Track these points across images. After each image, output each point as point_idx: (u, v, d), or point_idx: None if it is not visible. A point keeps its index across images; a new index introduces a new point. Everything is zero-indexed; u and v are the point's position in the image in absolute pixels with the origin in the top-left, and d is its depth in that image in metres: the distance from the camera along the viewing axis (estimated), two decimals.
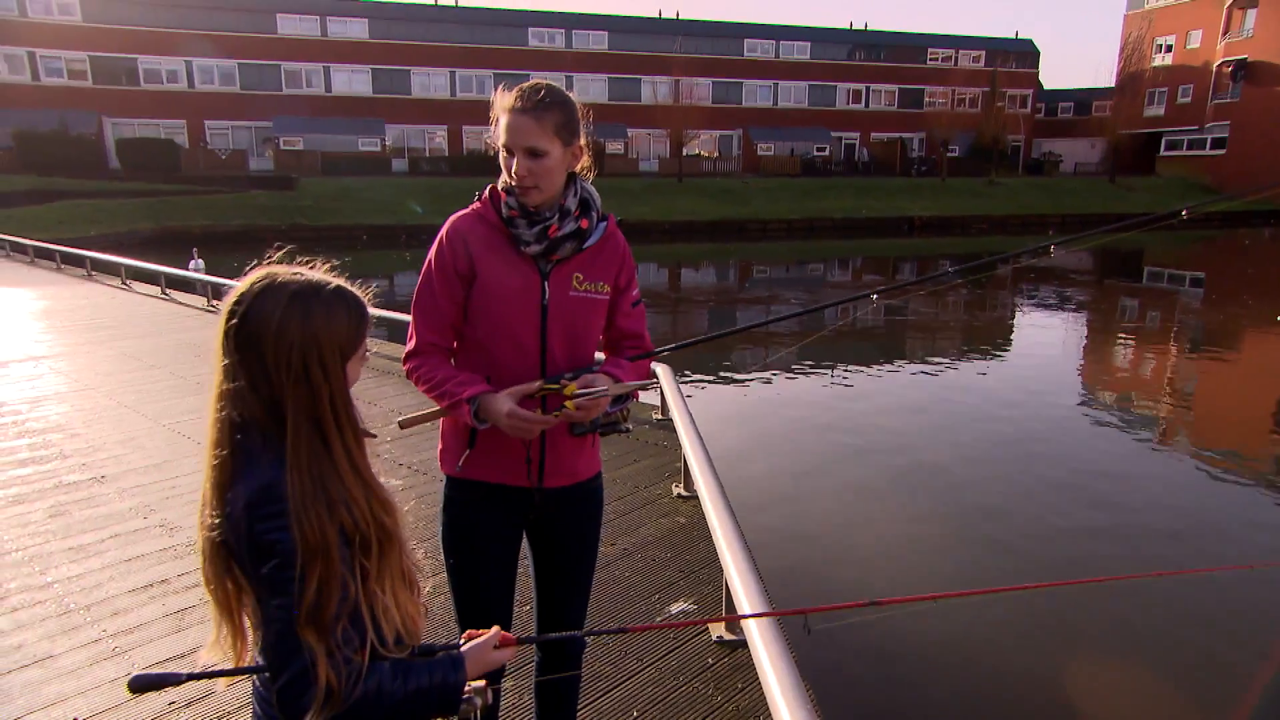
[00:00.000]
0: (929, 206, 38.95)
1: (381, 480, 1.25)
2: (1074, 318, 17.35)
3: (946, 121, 45.60)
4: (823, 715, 2.18)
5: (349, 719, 1.14)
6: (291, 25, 40.92)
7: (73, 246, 17.33)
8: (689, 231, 34.22)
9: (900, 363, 11.92)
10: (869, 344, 13.21)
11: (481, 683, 1.30)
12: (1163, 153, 49.73)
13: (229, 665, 1.24)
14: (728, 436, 7.98)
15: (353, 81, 42.08)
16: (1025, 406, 9.54)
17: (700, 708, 2.67)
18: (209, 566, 1.18)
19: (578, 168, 1.84)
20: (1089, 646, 4.56)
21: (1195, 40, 47.91)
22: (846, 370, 11.18)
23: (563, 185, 1.80)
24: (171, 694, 2.64)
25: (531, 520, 1.97)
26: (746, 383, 10.54)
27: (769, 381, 10.51)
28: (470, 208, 1.85)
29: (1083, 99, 54.72)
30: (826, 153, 48.01)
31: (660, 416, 5.87)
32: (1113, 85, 49.16)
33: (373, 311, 1.29)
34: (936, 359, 12.47)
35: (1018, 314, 17.81)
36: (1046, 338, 14.95)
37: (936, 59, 50.90)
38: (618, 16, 46.93)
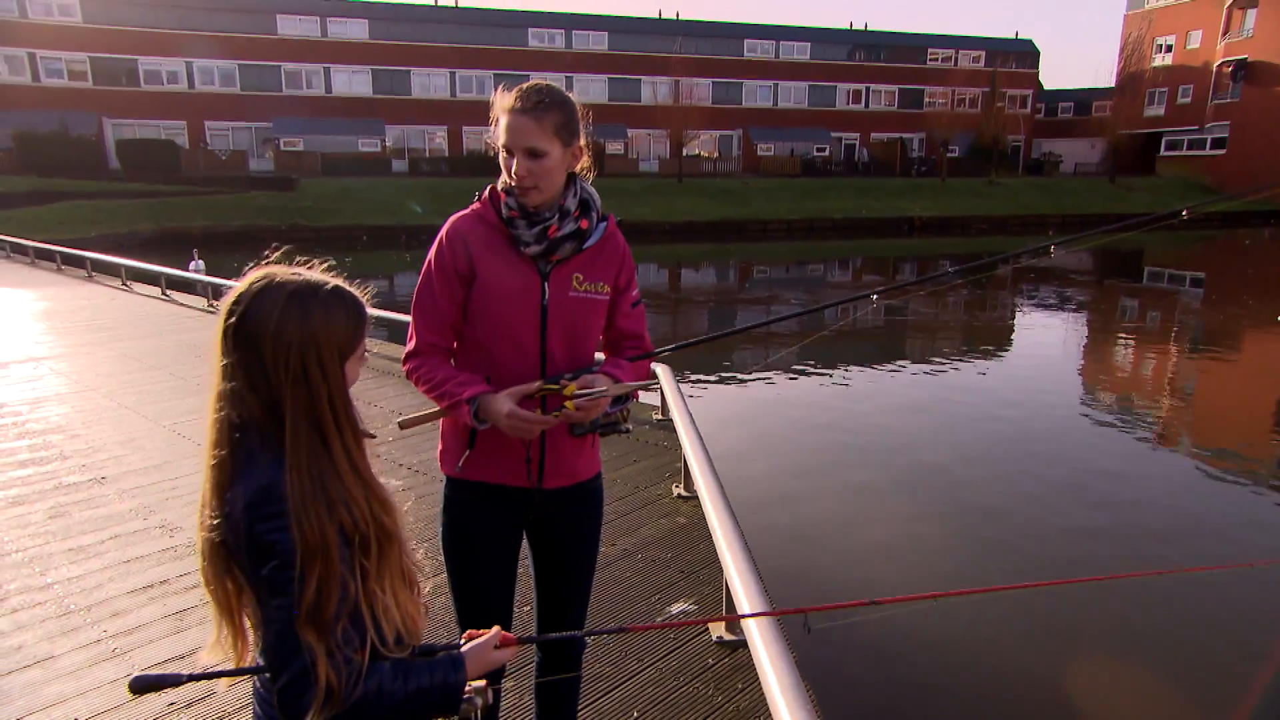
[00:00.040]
0: (929, 207, 38.95)
1: (381, 480, 1.25)
2: (1074, 318, 17.35)
3: (946, 122, 45.61)
4: (823, 715, 2.18)
5: (350, 719, 1.14)
6: (291, 26, 40.94)
7: (73, 247, 17.33)
8: (689, 232, 34.22)
9: (900, 363, 11.92)
10: (869, 344, 13.21)
11: (482, 682, 1.30)
12: (1163, 153, 49.74)
13: (229, 666, 1.24)
14: (728, 437, 7.98)
15: (353, 82, 42.10)
16: (1025, 406, 9.54)
17: (701, 708, 2.67)
18: (209, 567, 1.18)
19: (577, 168, 1.84)
20: (1089, 646, 4.56)
21: (1195, 40, 47.92)
22: (846, 370, 11.18)
23: (562, 186, 1.80)
24: (172, 695, 2.64)
25: (531, 520, 1.97)
26: (747, 383, 10.54)
27: (769, 382, 10.51)
28: (470, 208, 1.85)
29: (1083, 99, 54.72)
30: (826, 153, 48.03)
31: (660, 417, 5.87)
32: (1113, 85, 49.16)
33: (372, 312, 1.29)
34: (936, 359, 12.47)
35: (1018, 314, 17.81)
36: (1046, 338, 14.95)
37: (936, 59, 50.91)
38: (617, 17, 46.96)
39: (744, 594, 2.38)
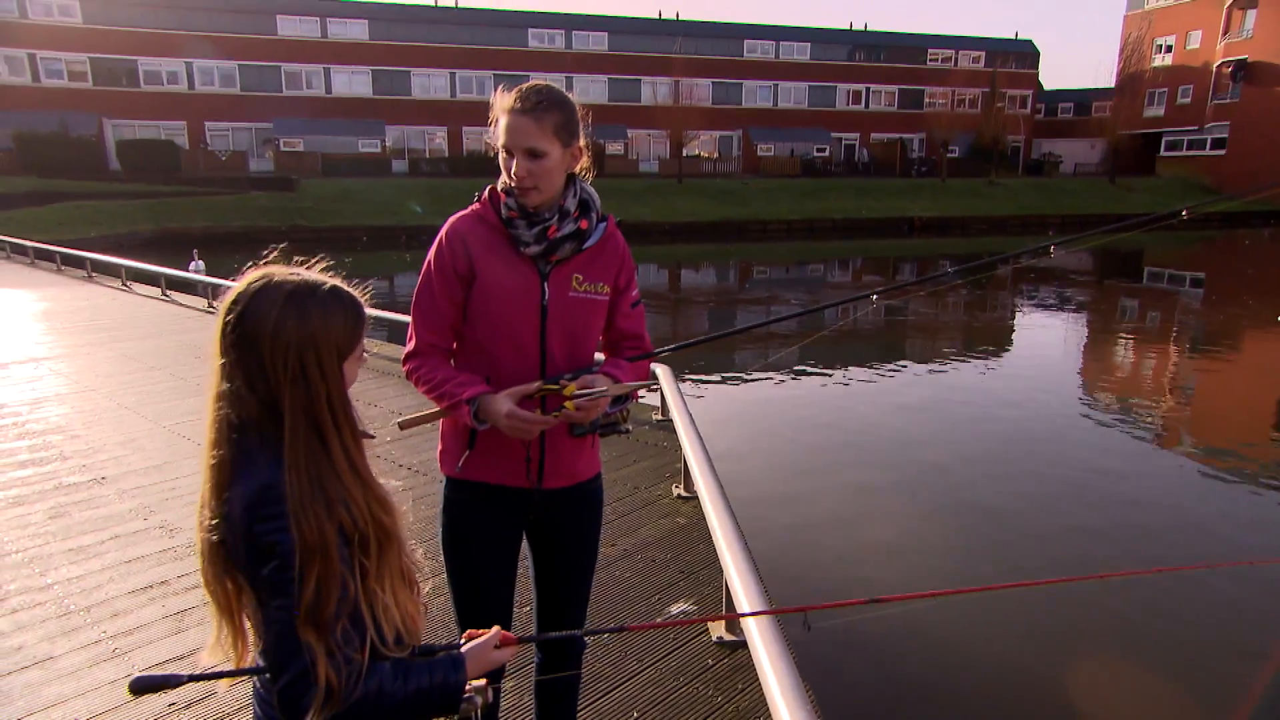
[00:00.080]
0: (929, 207, 38.96)
1: (381, 481, 1.25)
2: (1074, 318, 17.35)
3: (946, 122, 45.63)
4: (823, 715, 2.18)
5: (350, 719, 1.14)
6: (292, 26, 40.96)
7: (73, 248, 17.34)
8: (689, 232, 34.23)
9: (900, 363, 11.92)
10: (869, 345, 13.21)
11: (482, 682, 1.30)
12: (1162, 153, 49.75)
13: (229, 666, 1.24)
14: (728, 437, 7.98)
15: (353, 83, 42.11)
16: (1025, 406, 9.54)
17: (700, 708, 2.67)
18: (208, 567, 1.18)
19: (577, 169, 1.84)
20: (1089, 644, 4.56)
21: (1195, 41, 47.94)
22: (846, 371, 11.18)
23: (562, 186, 1.80)
24: (172, 695, 2.64)
25: (531, 521, 1.97)
26: (747, 383, 10.54)
27: (769, 382, 10.51)
28: (470, 209, 1.85)
29: (1082, 99, 54.74)
30: (826, 153, 48.04)
31: (660, 417, 5.87)
32: (1112, 86, 49.19)
33: (371, 312, 1.29)
34: (936, 359, 12.47)
35: (1018, 315, 17.81)
36: (1046, 338, 14.96)
37: (936, 60, 50.92)
38: (618, 17, 46.97)
39: (744, 594, 2.39)
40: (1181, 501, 6.77)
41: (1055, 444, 8.15)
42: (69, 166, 32.37)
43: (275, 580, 1.10)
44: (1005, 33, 68.26)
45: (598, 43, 45.53)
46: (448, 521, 1.92)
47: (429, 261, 1.83)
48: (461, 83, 43.19)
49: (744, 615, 2.31)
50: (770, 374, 10.81)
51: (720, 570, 3.00)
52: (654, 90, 44.53)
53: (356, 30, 41.96)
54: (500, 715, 2.48)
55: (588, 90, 42.24)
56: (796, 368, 11.06)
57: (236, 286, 1.18)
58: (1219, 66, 46.03)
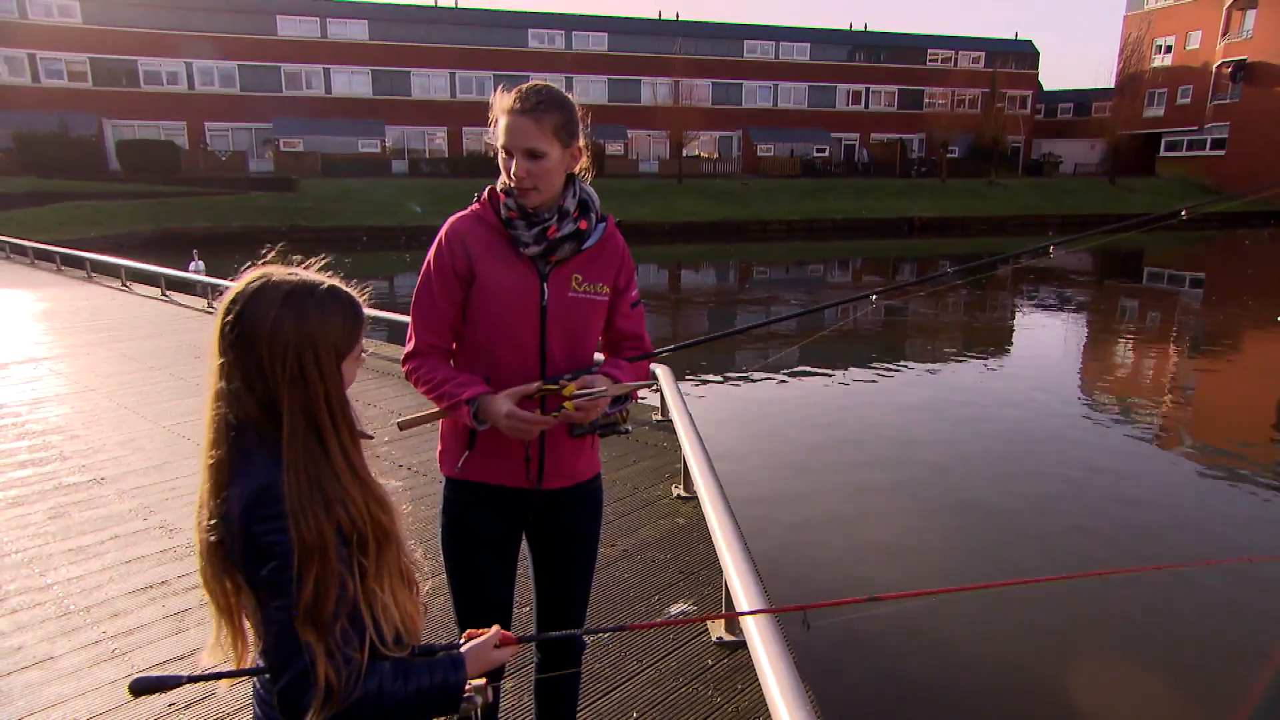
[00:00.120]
0: (929, 207, 38.97)
1: (380, 481, 1.25)
2: (1074, 318, 17.36)
3: (946, 122, 45.65)
4: (823, 715, 2.18)
5: (350, 719, 1.14)
6: (291, 27, 40.96)
7: (73, 248, 17.34)
8: (689, 232, 34.23)
9: (900, 363, 11.92)
10: (869, 345, 13.21)
11: (482, 681, 1.30)
12: (1162, 153, 49.77)
13: (229, 666, 1.24)
14: (727, 437, 7.98)
15: (353, 83, 42.12)
16: (1024, 406, 9.54)
17: (700, 709, 2.67)
18: (207, 568, 1.18)
19: (577, 169, 1.84)
20: (1089, 643, 4.57)
21: (1195, 41, 47.95)
22: (846, 371, 11.18)
23: (561, 186, 1.80)
24: (172, 695, 2.64)
25: (531, 521, 1.97)
26: (746, 383, 10.54)
27: (769, 382, 10.51)
28: (469, 209, 1.85)
29: (1082, 100, 54.77)
30: (826, 154, 48.05)
31: (660, 417, 5.87)
32: (1112, 86, 49.21)
33: (371, 312, 1.29)
34: (936, 359, 12.47)
35: (1018, 315, 17.81)
36: (1046, 338, 14.96)
37: (936, 60, 50.94)
38: (617, 18, 46.98)
39: (743, 594, 2.39)
40: (1181, 501, 6.78)
41: (1055, 444, 8.15)
42: (69, 167, 32.38)
43: (274, 580, 1.10)
44: (1005, 33, 68.27)
45: (597, 43, 45.54)
46: (447, 522, 1.92)
47: (428, 262, 1.83)
48: (461, 83, 43.20)
49: (743, 614, 2.31)
50: (770, 374, 10.81)
51: (720, 570, 3.01)
52: (654, 90, 44.53)
53: (356, 30, 41.96)
54: (500, 715, 2.48)
55: (587, 90, 42.25)
56: (796, 368, 11.06)
57: (235, 286, 1.18)
58: (1219, 67, 46.04)
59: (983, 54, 51.60)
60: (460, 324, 1.85)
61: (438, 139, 43.54)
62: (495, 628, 1.37)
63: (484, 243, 1.81)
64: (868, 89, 50.43)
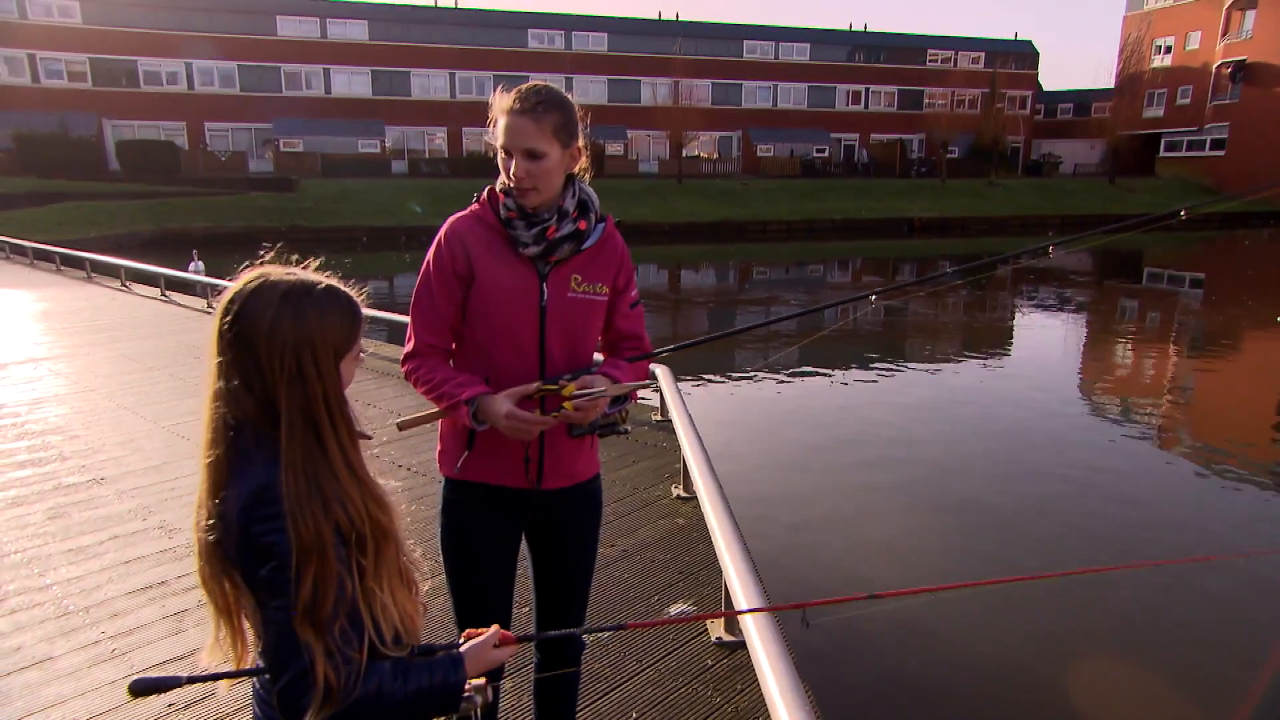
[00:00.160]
0: (929, 208, 38.98)
1: (379, 481, 1.25)
2: (1074, 319, 17.36)
3: (946, 123, 45.66)
4: (822, 715, 2.18)
5: (350, 719, 1.14)
6: (291, 27, 40.96)
7: (72, 248, 17.34)
8: (689, 233, 34.24)
9: (900, 363, 11.93)
10: (868, 345, 13.22)
11: (482, 681, 1.30)
12: (1162, 154, 49.78)
13: (229, 667, 1.24)
14: (727, 437, 7.98)
15: (352, 83, 42.11)
16: (1024, 405, 9.55)
17: (699, 709, 2.67)
18: (206, 568, 1.17)
19: (576, 169, 1.84)
20: (1089, 641, 4.57)
21: (1194, 41, 47.97)
22: (846, 371, 11.18)
23: (561, 187, 1.80)
24: (171, 696, 2.64)
25: (530, 522, 1.97)
26: (746, 384, 10.54)
27: (769, 382, 10.51)
28: (469, 209, 1.85)
29: (1082, 100, 54.78)
30: (826, 154, 48.05)
31: (659, 418, 5.87)
32: (1112, 86, 49.23)
33: (370, 312, 1.29)
34: (936, 359, 12.48)
35: (1017, 315, 17.82)
36: (1046, 338, 14.96)
37: (936, 60, 50.94)
38: (617, 18, 46.98)
39: (743, 595, 2.39)
40: (1181, 501, 6.78)
41: (1055, 443, 8.15)
42: (69, 167, 32.38)
43: (273, 581, 1.10)
44: (1005, 33, 68.28)
45: (597, 43, 45.54)
46: (447, 522, 1.92)
47: (428, 262, 1.83)
48: (461, 83, 43.19)
49: (741, 612, 2.31)
50: (770, 374, 10.81)
51: (720, 571, 3.01)
52: (654, 91, 44.54)
53: (356, 31, 41.96)
54: (499, 715, 2.48)
55: (587, 91, 42.26)
56: (796, 368, 11.06)
57: (233, 286, 1.18)
58: (1218, 67, 46.06)
59: (982, 54, 51.61)
60: (460, 324, 1.85)
61: (437, 139, 43.54)
62: (494, 627, 1.37)
63: (483, 243, 1.80)
64: (867, 89, 50.44)
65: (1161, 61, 49.27)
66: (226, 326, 1.15)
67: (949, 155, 46.16)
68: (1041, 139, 54.50)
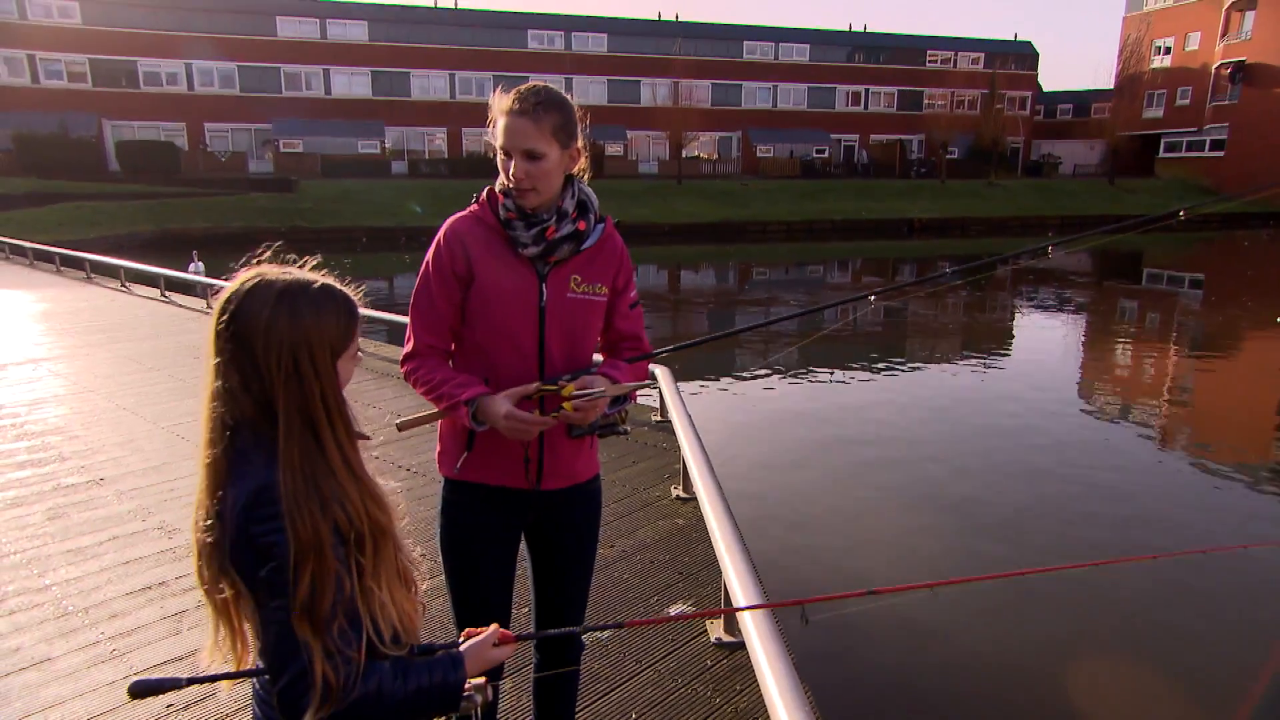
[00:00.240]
0: (928, 208, 38.99)
1: (379, 481, 1.25)
2: (1073, 319, 17.36)
3: (946, 123, 45.68)
4: (822, 715, 2.18)
5: (351, 719, 1.14)
6: (291, 28, 40.97)
7: (72, 249, 17.33)
8: (688, 233, 34.25)
9: (899, 363, 11.93)
10: (868, 345, 13.22)
11: (482, 680, 1.30)
12: (1162, 154, 49.79)
13: (228, 667, 1.24)
14: (727, 438, 7.99)
15: (352, 84, 42.12)
16: (1023, 402, 9.55)
17: (699, 709, 2.67)
18: (204, 568, 1.17)
19: (575, 170, 1.84)
20: (1089, 639, 4.57)
21: (1194, 42, 47.99)
22: (845, 371, 11.18)
23: (560, 187, 1.80)
24: (170, 696, 2.64)
25: (530, 522, 1.97)
26: (746, 384, 10.54)
27: (768, 383, 10.51)
28: (468, 210, 1.85)
29: (1082, 101, 54.80)
30: (826, 154, 48.06)
31: (659, 418, 5.87)
32: (1112, 87, 49.25)
33: (371, 313, 1.29)
34: (935, 359, 12.48)
35: (1017, 316, 17.83)
36: (1046, 339, 14.97)
37: (936, 61, 50.97)
38: (617, 19, 47.01)
39: (742, 596, 2.39)
40: (1181, 501, 6.78)
41: (1054, 442, 8.15)
42: (68, 167, 32.38)
43: (273, 581, 1.10)
44: (1004, 34, 68.36)
45: (597, 44, 45.56)
46: (446, 523, 1.92)
47: (427, 263, 1.83)
48: (461, 84, 43.20)
49: (741, 609, 2.31)
50: (770, 375, 10.82)
51: (719, 571, 3.01)
52: (653, 91, 44.57)
53: (356, 31, 41.97)
54: (499, 715, 2.48)
55: (587, 91, 42.27)
56: (796, 368, 11.06)
57: (229, 286, 1.18)
58: (1218, 68, 46.08)
59: (982, 55, 51.64)
60: (459, 325, 1.85)
61: (437, 140, 43.55)
62: (494, 626, 1.37)
63: (483, 243, 1.81)
64: (867, 90, 50.46)
65: (1161, 62, 49.29)
66: (223, 326, 1.15)
67: (949, 156, 46.18)
68: (1041, 140, 54.53)
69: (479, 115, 1.83)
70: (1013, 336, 15.27)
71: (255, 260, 1.24)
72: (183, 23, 38.79)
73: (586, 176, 1.90)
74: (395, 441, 5.27)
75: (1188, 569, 5.21)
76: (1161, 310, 18.80)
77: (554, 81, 1.82)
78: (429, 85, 43.06)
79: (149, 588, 3.48)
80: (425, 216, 29.66)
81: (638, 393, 2.01)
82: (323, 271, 1.25)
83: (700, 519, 4.09)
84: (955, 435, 8.40)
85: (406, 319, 1.88)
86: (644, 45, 45.73)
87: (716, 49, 47.13)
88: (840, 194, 40.06)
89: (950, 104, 48.12)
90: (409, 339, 1.86)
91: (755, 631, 2.11)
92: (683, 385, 5.71)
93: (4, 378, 7.52)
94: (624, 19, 47.25)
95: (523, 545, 2.02)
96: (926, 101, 50.21)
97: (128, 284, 14.38)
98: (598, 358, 1.98)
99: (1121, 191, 43.16)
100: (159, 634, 3.11)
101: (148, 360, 8.18)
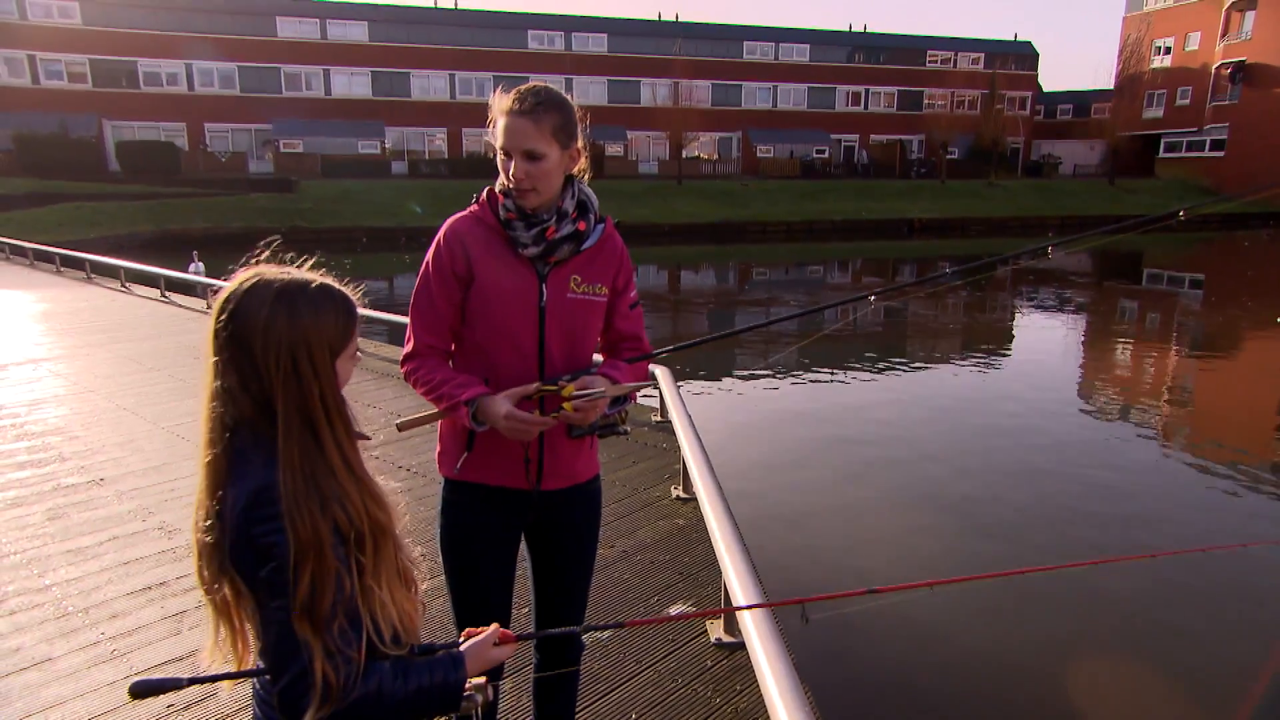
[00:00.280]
0: (928, 209, 38.99)
1: (379, 480, 1.25)
2: (1073, 319, 17.36)
3: (946, 123, 45.69)
4: (822, 715, 2.18)
5: (351, 719, 1.14)
6: (291, 28, 40.98)
7: (72, 249, 17.33)
8: (688, 233, 34.25)
9: (899, 363, 11.93)
10: (868, 345, 13.22)
11: (482, 680, 1.30)
12: (1162, 155, 49.79)
13: (229, 667, 1.24)
14: (727, 438, 7.99)
15: (352, 84, 42.13)
16: (1023, 402, 9.55)
17: (699, 710, 2.67)
18: (205, 568, 1.17)
19: (575, 170, 1.84)
20: (1089, 637, 4.57)
21: (1194, 42, 47.99)
22: (845, 371, 11.18)
23: (560, 188, 1.80)
24: (170, 696, 2.64)
25: (530, 522, 1.97)
26: (746, 384, 10.54)
27: (768, 383, 10.51)
28: (468, 210, 1.85)
29: (1082, 101, 54.81)
30: (826, 155, 48.07)
31: (659, 418, 5.87)
32: (1112, 87, 49.24)
33: (371, 313, 1.30)
34: (935, 359, 12.48)
35: (1017, 316, 17.83)
36: (1046, 339, 14.97)
37: (936, 61, 50.97)
38: (617, 19, 47.02)
39: (742, 596, 2.39)
40: (1181, 501, 6.78)
41: (1054, 442, 8.16)
42: (69, 168, 32.38)
43: (274, 581, 1.10)
44: (1004, 34, 68.37)
45: (597, 44, 45.56)
46: (446, 523, 1.92)
47: (427, 263, 1.83)
48: (461, 84, 43.21)
49: (740, 608, 2.31)
50: (770, 375, 10.82)
51: (719, 571, 3.01)
52: (653, 92, 44.58)
53: (356, 32, 41.98)
54: (499, 716, 2.48)
55: (587, 92, 42.27)
56: (796, 369, 11.06)
57: (228, 286, 1.18)
58: (1218, 68, 46.08)
59: (982, 55, 51.64)
60: (459, 325, 1.85)
61: (437, 140, 43.56)
62: (494, 625, 1.37)
63: (483, 243, 1.81)
64: (867, 90, 50.46)
65: (1161, 62, 49.29)
66: (222, 326, 1.15)
67: (949, 156, 46.18)
68: (1041, 140, 54.53)
69: (479, 115, 1.83)
70: (1013, 337, 15.27)
71: (254, 260, 1.24)
72: (183, 23, 38.80)
73: (587, 177, 1.90)
74: (395, 441, 5.27)
75: (1188, 568, 5.21)
76: (1162, 310, 18.80)
77: (554, 82, 1.82)
78: (429, 85, 43.06)
79: (149, 588, 3.48)
80: (425, 217, 29.67)
81: (638, 393, 2.01)
82: (321, 271, 1.25)
83: (700, 519, 4.09)
84: (955, 435, 8.40)
85: (406, 319, 1.88)
86: (644, 45, 45.74)
87: (716, 49, 47.13)
88: (840, 194, 40.06)
89: (950, 104, 48.14)
90: (409, 339, 1.86)
91: (755, 631, 2.11)
92: (683, 385, 5.72)
93: (4, 378, 7.52)
94: (624, 19, 47.26)
95: (523, 545, 2.02)
96: (926, 102, 50.22)
97: (128, 284, 14.38)
98: (598, 358, 1.98)
99: (1121, 192, 43.16)
100: (159, 634, 3.11)
101: (148, 360, 8.19)
